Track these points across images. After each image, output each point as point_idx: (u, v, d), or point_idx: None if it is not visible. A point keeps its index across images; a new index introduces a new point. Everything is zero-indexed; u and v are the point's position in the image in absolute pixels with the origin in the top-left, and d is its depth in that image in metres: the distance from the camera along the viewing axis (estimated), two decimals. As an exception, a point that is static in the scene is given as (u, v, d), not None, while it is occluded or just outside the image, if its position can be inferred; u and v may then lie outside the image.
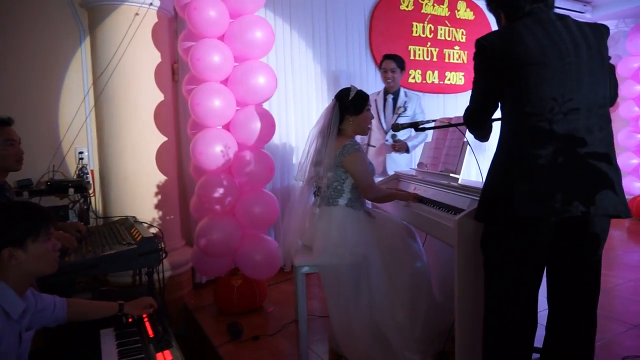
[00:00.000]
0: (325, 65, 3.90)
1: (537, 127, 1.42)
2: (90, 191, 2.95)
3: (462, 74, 4.57)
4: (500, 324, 1.59)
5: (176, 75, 3.31)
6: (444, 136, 2.46)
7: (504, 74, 1.50)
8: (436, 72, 4.41)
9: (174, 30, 3.31)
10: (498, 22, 1.72)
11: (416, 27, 4.25)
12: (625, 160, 5.28)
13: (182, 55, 2.88)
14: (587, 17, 5.42)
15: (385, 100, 3.41)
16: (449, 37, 4.46)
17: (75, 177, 3.03)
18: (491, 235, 1.60)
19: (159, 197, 3.07)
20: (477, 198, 1.98)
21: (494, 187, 1.56)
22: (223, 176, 2.68)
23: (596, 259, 1.55)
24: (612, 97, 1.53)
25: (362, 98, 2.29)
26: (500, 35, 1.55)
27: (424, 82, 4.35)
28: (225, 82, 2.75)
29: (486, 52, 1.55)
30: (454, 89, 4.56)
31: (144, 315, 1.83)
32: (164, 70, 3.09)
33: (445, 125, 2.28)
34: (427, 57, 4.35)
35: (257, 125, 2.71)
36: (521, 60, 1.45)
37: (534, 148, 1.40)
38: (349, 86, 2.33)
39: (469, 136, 2.19)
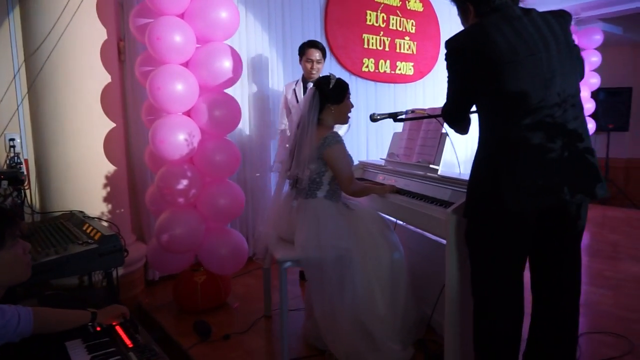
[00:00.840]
0: (282, 50, 3.77)
1: (516, 123, 1.46)
2: (25, 183, 2.61)
3: (412, 64, 4.66)
4: (489, 314, 1.64)
5: (122, 54, 3.01)
6: (417, 127, 2.48)
7: (477, 73, 1.52)
8: (388, 62, 4.45)
9: (119, 4, 2.99)
10: (465, 16, 1.69)
11: (370, 16, 4.24)
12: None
13: (135, 32, 2.61)
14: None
15: (305, 89, 3.17)
16: (400, 27, 4.51)
17: (5, 167, 2.66)
18: (478, 230, 1.63)
19: (108, 188, 2.78)
20: (458, 189, 2.03)
21: (479, 184, 1.58)
22: (186, 166, 2.49)
23: (579, 245, 1.64)
24: (581, 74, 1.61)
25: (343, 86, 2.23)
26: (469, 35, 1.56)
27: (377, 71, 4.37)
28: (185, 65, 2.54)
29: (457, 53, 1.57)
30: (404, 79, 4.64)
31: (114, 323, 1.66)
32: (111, 49, 2.79)
33: (425, 116, 2.29)
34: (380, 46, 4.37)
35: (222, 112, 2.55)
36: (493, 60, 1.47)
37: (515, 143, 1.45)
38: (327, 74, 2.26)
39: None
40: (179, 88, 2.38)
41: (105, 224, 2.52)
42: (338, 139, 2.19)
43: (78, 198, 2.65)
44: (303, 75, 3.24)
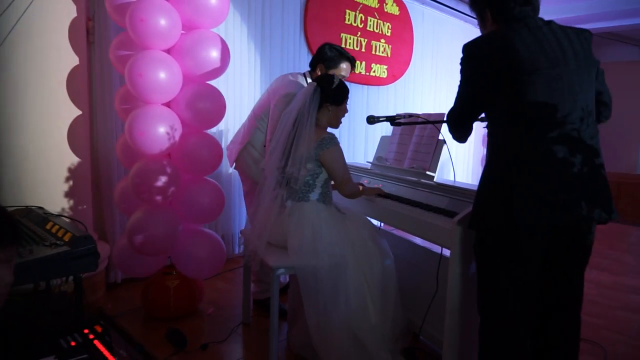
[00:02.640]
0: (260, 43, 3.61)
1: (541, 136, 1.43)
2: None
3: (386, 67, 4.66)
4: (497, 333, 1.58)
5: (91, 35, 2.74)
6: (409, 132, 2.44)
7: (494, 81, 1.48)
8: (363, 63, 4.42)
9: (88, -21, 2.72)
10: (483, 23, 1.67)
11: (349, 15, 4.18)
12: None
13: (112, 12, 2.37)
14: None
15: None
16: (376, 29, 4.49)
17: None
18: (486, 243, 1.57)
19: (70, 182, 2.52)
20: (457, 198, 2.01)
21: (491, 194, 1.52)
22: (165, 162, 2.30)
23: (585, 267, 1.62)
24: (609, 106, 1.62)
25: (345, 89, 2.15)
26: (490, 41, 1.53)
27: (352, 71, 4.30)
28: (167, 51, 2.34)
29: (476, 59, 1.52)
30: (377, 81, 4.63)
31: (90, 336, 1.48)
32: (79, 28, 2.52)
33: (424, 121, 2.25)
34: (357, 47, 4.32)
35: (207, 105, 2.38)
36: (513, 69, 1.44)
37: (538, 155, 1.42)
38: (329, 72, 2.17)
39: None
40: (162, 76, 2.18)
41: (67, 220, 2.27)
42: (335, 141, 2.10)
43: (35, 192, 2.38)
44: (310, 78, 2.61)
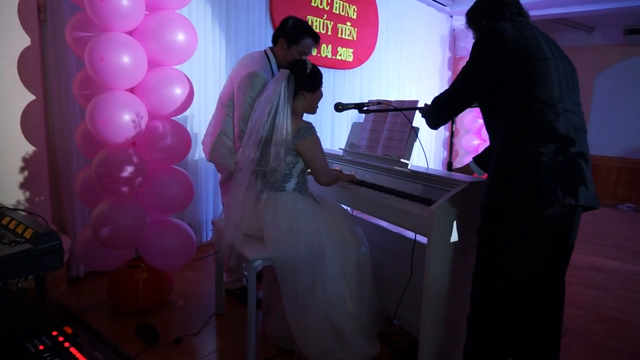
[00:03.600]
0: (225, 25, 3.47)
1: (542, 126, 1.48)
2: None
3: (352, 50, 4.62)
4: (489, 319, 1.60)
5: (43, 13, 2.53)
6: (382, 118, 2.44)
7: (511, 65, 1.52)
8: (330, 46, 4.36)
9: (37, -49, 2.50)
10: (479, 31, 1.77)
11: (315, -3, 4.10)
12: (468, 141, 6.15)
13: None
14: (447, 9, 6.02)
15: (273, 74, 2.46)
16: (342, 11, 4.43)
17: None
18: (499, 226, 1.55)
19: (25, 173, 2.36)
20: (431, 185, 2.04)
21: (513, 175, 1.49)
22: (131, 151, 2.19)
23: (570, 253, 1.65)
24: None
25: (319, 73, 2.10)
26: (513, 26, 1.58)
27: (319, 55, 4.26)
28: (130, 33, 2.20)
29: (500, 38, 1.54)
30: (343, 65, 4.59)
31: (60, 339, 1.41)
32: (30, 7, 2.33)
33: (392, 109, 2.25)
34: (323, 29, 4.25)
35: (174, 91, 2.27)
36: (533, 54, 1.51)
37: (541, 146, 1.46)
38: (301, 58, 2.11)
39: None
40: (125, 60, 2.06)
41: (23, 213, 2.13)
42: (313, 130, 2.07)
43: (-13, 184, 2.22)
44: (274, 56, 2.46)
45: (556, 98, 1.49)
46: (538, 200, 1.44)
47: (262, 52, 2.51)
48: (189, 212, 3.37)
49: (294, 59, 2.27)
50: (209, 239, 3.60)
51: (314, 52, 4.19)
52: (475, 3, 1.79)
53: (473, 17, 1.78)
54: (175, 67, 2.37)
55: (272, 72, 2.43)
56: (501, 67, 1.54)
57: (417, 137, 2.21)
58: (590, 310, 2.66)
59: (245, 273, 2.61)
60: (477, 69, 1.62)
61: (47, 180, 2.54)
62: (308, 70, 2.04)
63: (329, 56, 4.38)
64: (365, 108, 2.31)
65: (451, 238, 1.81)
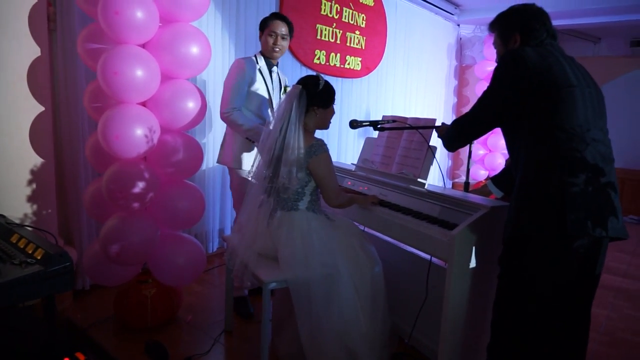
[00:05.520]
0: (234, 35, 3.44)
1: (572, 156, 1.44)
2: None
3: (360, 59, 4.59)
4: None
5: (52, 22, 2.49)
6: (397, 135, 2.40)
7: (533, 93, 1.48)
8: (338, 55, 4.33)
9: (48, -40, 2.46)
10: (505, 43, 1.71)
11: (324, 6, 4.06)
12: (474, 151, 6.12)
13: (79, 2, 2.15)
14: (454, 18, 5.99)
15: (271, 74, 2.63)
16: (351, 20, 4.40)
17: None
18: (524, 255, 1.52)
19: (33, 185, 2.31)
20: (449, 207, 2.00)
21: (538, 205, 1.46)
22: (143, 166, 2.14)
23: (596, 284, 1.61)
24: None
25: (332, 90, 2.07)
26: (536, 51, 1.54)
27: (327, 64, 4.22)
28: (143, 46, 2.16)
29: (522, 65, 1.50)
30: (352, 74, 4.56)
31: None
32: (40, 16, 2.28)
33: (406, 127, 2.21)
34: (332, 38, 4.22)
35: (187, 104, 2.22)
36: (558, 81, 1.47)
37: (569, 177, 1.42)
38: (314, 74, 2.07)
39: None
40: (139, 74, 2.01)
41: (32, 229, 2.08)
42: (325, 148, 2.03)
43: (-6, 197, 2.17)
44: (262, 53, 2.63)
45: (584, 127, 1.46)
46: (565, 233, 1.40)
47: (253, 56, 2.65)
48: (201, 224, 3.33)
49: (265, 46, 2.48)
50: (215, 249, 3.56)
51: (323, 61, 4.15)
52: (513, 11, 1.69)
53: (505, 25, 1.70)
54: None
55: (257, 63, 2.58)
56: (522, 94, 1.50)
57: (434, 156, 2.17)
58: (603, 333, 2.63)
59: (249, 283, 2.58)
60: (498, 94, 1.58)
61: (54, 192, 2.49)
62: (321, 87, 2.00)
63: (338, 65, 4.34)
64: (380, 126, 2.28)
65: (470, 264, 1.78)
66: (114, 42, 2.06)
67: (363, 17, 4.51)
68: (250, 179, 2.07)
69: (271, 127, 2.05)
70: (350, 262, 2.04)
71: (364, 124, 2.25)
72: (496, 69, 1.58)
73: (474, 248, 1.77)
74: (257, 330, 2.40)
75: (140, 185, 2.10)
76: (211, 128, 3.37)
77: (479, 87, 5.98)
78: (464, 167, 6.27)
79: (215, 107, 3.34)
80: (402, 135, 2.37)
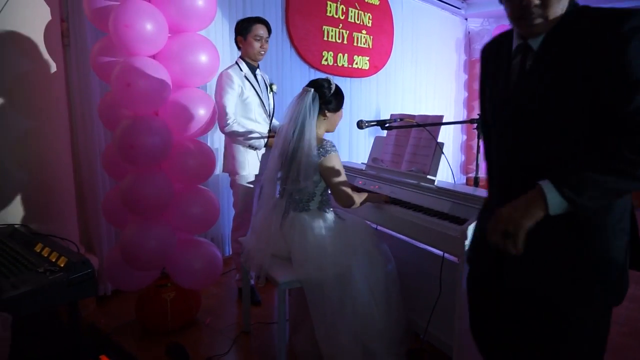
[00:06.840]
0: (242, 40, 3.49)
1: None
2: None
3: (368, 58, 4.60)
4: None
5: (66, 37, 2.57)
6: (405, 133, 2.42)
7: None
8: (346, 55, 4.35)
9: (59, -22, 2.54)
10: None
11: (330, 7, 4.09)
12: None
13: (91, 17, 2.22)
14: (461, 12, 5.96)
15: (255, 77, 2.70)
16: (358, 20, 4.42)
17: None
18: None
19: (55, 196, 2.39)
20: (459, 202, 2.01)
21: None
22: (158, 173, 2.20)
23: None
24: None
25: (341, 93, 2.10)
26: None
27: (335, 64, 4.25)
28: (153, 57, 2.22)
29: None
30: (360, 73, 4.58)
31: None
32: (55, 32, 2.36)
33: (413, 125, 2.23)
34: (339, 39, 4.25)
35: (198, 112, 2.28)
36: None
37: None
38: (325, 77, 2.11)
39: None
40: (151, 85, 2.07)
41: (55, 238, 2.15)
42: (334, 148, 2.06)
43: (17, 208, 2.25)
44: (242, 59, 2.68)
45: None
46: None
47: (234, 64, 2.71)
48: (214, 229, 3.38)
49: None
50: (231, 252, 3.61)
51: (331, 62, 4.19)
52: None
53: None
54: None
55: (242, 70, 2.65)
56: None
57: (442, 152, 2.19)
58: (623, 324, 2.60)
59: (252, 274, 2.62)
60: None
61: (74, 202, 2.58)
62: (332, 90, 2.04)
63: (346, 65, 4.37)
64: (388, 125, 2.30)
65: (483, 258, 1.78)
66: (125, 55, 2.13)
67: (369, 16, 4.52)
68: (253, 185, 2.12)
69: (283, 130, 2.09)
70: (363, 261, 2.07)
71: (371, 123, 2.27)
72: None
73: (485, 242, 1.78)
74: (274, 331, 2.44)
75: (156, 191, 2.16)
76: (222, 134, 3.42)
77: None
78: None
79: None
80: (410, 132, 2.39)
